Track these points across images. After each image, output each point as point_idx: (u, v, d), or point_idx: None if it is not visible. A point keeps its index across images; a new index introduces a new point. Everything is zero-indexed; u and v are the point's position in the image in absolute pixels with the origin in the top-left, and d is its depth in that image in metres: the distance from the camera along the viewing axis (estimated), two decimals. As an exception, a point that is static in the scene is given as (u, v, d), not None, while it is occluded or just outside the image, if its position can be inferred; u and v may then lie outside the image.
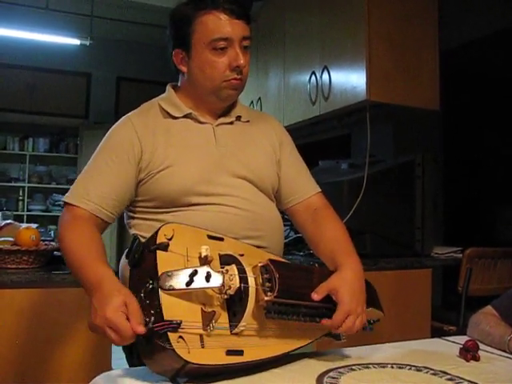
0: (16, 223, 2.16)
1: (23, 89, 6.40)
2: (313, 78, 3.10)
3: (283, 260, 1.29)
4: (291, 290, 1.14)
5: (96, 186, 1.32)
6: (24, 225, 2.18)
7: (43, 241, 2.05)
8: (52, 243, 2.04)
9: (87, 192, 1.31)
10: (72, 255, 1.21)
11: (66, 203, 1.33)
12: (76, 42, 5.23)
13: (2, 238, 1.95)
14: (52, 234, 5.83)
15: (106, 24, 5.87)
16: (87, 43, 5.17)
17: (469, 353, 1.27)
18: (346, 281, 1.24)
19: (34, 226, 2.48)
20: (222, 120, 1.46)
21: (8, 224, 2.10)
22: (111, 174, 1.34)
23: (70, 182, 6.60)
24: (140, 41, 6.48)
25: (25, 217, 6.53)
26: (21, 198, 6.72)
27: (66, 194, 1.34)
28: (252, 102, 3.90)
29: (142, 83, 6.38)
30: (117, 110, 6.58)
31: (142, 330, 0.97)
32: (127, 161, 1.35)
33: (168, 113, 1.43)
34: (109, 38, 6.39)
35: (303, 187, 1.54)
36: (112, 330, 0.98)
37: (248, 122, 1.52)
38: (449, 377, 1.13)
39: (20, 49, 5.93)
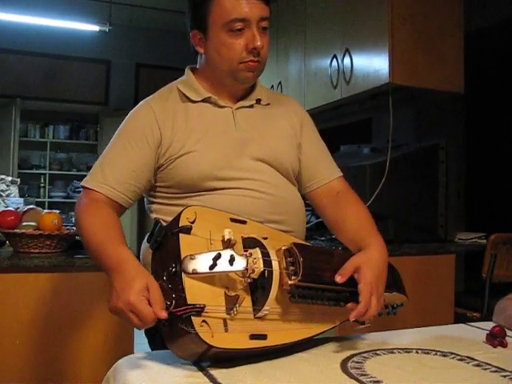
0: (38, 208, 2.17)
1: (43, 76, 6.45)
2: (334, 61, 3.06)
3: (307, 243, 1.27)
4: (315, 273, 1.12)
5: (113, 170, 1.32)
6: (46, 211, 2.19)
7: (65, 226, 2.06)
8: (74, 228, 2.05)
9: (104, 176, 1.31)
10: (90, 237, 1.21)
11: (83, 187, 1.33)
12: (95, 28, 5.23)
13: (25, 223, 1.97)
14: (73, 220, 5.87)
15: (125, 10, 5.87)
16: (106, 29, 5.17)
17: (496, 339, 1.25)
18: (370, 260, 1.22)
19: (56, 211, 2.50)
20: (241, 103, 1.44)
21: (30, 209, 2.11)
22: (129, 159, 1.33)
23: (90, 168, 6.60)
24: (159, 27, 6.46)
25: (46, 203, 6.60)
26: (42, 184, 6.80)
27: (85, 179, 1.34)
28: (272, 86, 3.87)
29: (162, 70, 6.37)
30: (136, 97, 6.60)
31: (164, 315, 0.97)
32: (146, 145, 1.34)
33: (187, 97, 1.41)
34: (128, 24, 6.39)
35: (325, 171, 1.51)
36: (134, 314, 0.99)
37: (268, 104, 1.49)
38: (476, 362, 1.11)
39: (39, 36, 5.97)
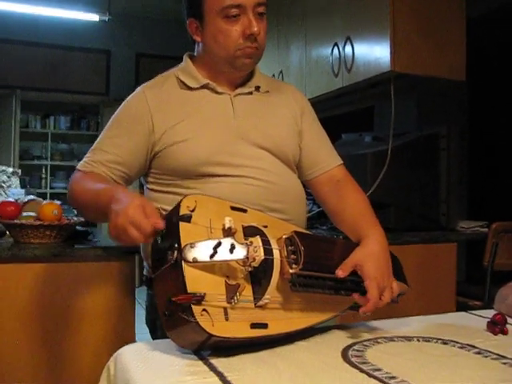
0: (39, 199, 2.17)
1: (43, 67, 6.43)
2: (335, 49, 3.04)
3: (308, 232, 1.27)
4: (316, 262, 1.12)
5: (102, 154, 1.37)
6: (46, 201, 2.19)
7: (65, 216, 2.06)
8: (74, 218, 2.05)
9: (94, 159, 1.36)
10: (84, 195, 1.30)
11: (76, 169, 1.40)
12: (95, 18, 5.20)
13: (26, 213, 1.96)
14: (75, 212, 5.90)
15: (124, -1, 5.84)
16: (106, 19, 5.14)
17: (496, 326, 1.25)
18: (371, 254, 1.22)
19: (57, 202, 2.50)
20: (240, 90, 1.44)
21: (31, 200, 2.11)
22: (118, 145, 1.37)
23: (92, 159, 6.64)
24: (159, 16, 6.44)
25: (48, 194, 6.61)
26: (43, 175, 6.81)
27: (79, 162, 1.40)
28: (274, 74, 3.85)
29: (162, 59, 6.33)
30: (137, 87, 6.57)
31: (161, 224, 1.02)
32: (136, 132, 1.36)
33: (185, 84, 1.41)
34: (128, 14, 6.36)
35: (325, 159, 1.51)
36: (133, 227, 1.02)
37: (267, 92, 1.49)
38: (476, 350, 1.11)
39: (39, 26, 5.95)
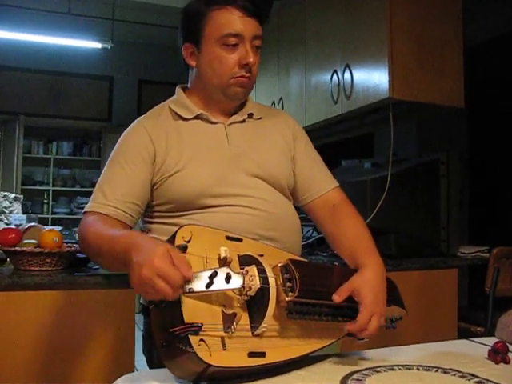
0: (39, 225, 2.17)
1: (46, 93, 6.50)
2: (334, 76, 3.07)
3: (303, 259, 1.27)
4: (312, 289, 1.12)
5: (113, 190, 1.32)
6: (47, 227, 2.19)
7: (66, 243, 2.06)
8: (75, 245, 2.04)
9: (105, 197, 1.31)
10: (97, 241, 1.19)
11: (86, 213, 1.33)
12: (98, 45, 5.28)
13: (26, 241, 1.96)
14: (76, 237, 5.90)
15: (127, 27, 5.92)
16: (109, 46, 5.21)
17: (498, 355, 1.23)
18: (368, 281, 1.22)
19: (58, 228, 2.50)
20: (233, 119, 1.45)
21: (32, 226, 2.11)
22: (127, 177, 1.34)
23: (94, 184, 6.51)
24: (161, 43, 6.50)
25: (49, 219, 6.63)
26: (45, 201, 6.83)
27: (86, 205, 1.35)
28: (274, 101, 3.89)
29: (164, 85, 6.39)
30: (139, 113, 6.52)
31: (191, 273, 0.95)
32: (142, 163, 1.35)
33: (178, 115, 1.42)
34: (130, 41, 6.45)
35: (320, 182, 1.51)
36: (161, 279, 0.93)
37: (260, 118, 1.50)
38: (477, 380, 1.09)
39: (43, 53, 6.03)
